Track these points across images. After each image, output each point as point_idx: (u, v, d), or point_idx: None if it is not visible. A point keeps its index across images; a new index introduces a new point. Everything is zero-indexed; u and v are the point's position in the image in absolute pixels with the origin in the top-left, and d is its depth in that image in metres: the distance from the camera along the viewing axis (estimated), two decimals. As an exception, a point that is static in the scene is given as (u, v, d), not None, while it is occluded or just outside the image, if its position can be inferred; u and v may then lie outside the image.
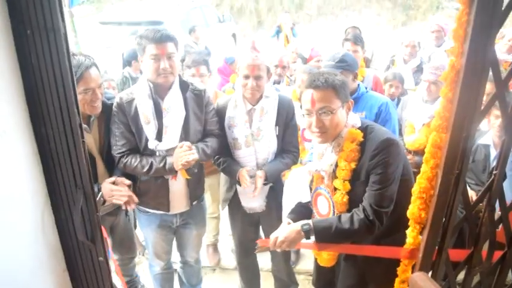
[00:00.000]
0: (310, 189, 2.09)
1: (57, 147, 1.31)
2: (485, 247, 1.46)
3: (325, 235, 1.82)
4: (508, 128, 1.22)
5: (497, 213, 1.38)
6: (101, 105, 2.21)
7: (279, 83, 3.81)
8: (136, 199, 2.18)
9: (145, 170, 2.19)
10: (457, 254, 1.57)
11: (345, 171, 1.83)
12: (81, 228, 1.41)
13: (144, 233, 2.62)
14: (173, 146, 2.21)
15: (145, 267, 3.28)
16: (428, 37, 4.87)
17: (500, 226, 1.39)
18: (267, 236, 2.73)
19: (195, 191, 2.47)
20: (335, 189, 1.89)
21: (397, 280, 1.68)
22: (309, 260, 3.39)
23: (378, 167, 1.74)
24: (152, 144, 2.22)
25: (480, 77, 1.12)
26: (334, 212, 1.90)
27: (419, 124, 3.07)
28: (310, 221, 1.87)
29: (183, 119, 2.25)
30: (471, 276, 1.50)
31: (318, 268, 2.26)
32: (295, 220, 1.98)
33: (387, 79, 3.77)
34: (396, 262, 1.68)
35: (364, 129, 1.84)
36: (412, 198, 1.47)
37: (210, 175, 3.09)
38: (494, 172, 1.28)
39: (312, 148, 2.16)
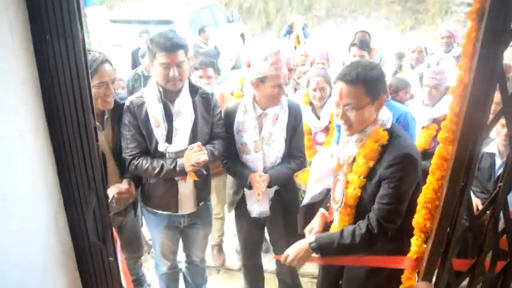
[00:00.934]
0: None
1: (72, 150, 1.34)
2: (489, 256, 1.48)
3: (328, 250, 1.85)
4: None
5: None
6: (113, 102, 2.25)
7: (285, 85, 3.80)
8: (133, 190, 2.29)
9: (156, 171, 2.22)
10: (461, 264, 1.59)
11: (362, 168, 1.80)
12: (93, 229, 1.45)
13: (152, 233, 2.66)
14: (183, 148, 2.24)
15: (151, 266, 3.32)
16: (437, 43, 4.87)
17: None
18: (272, 238, 2.78)
19: (202, 192, 2.50)
20: (348, 181, 1.88)
21: (400, 288, 1.70)
22: (313, 263, 3.40)
23: (391, 181, 1.71)
24: (162, 146, 2.25)
25: (487, 92, 1.14)
26: (342, 202, 1.88)
27: (418, 127, 3.08)
28: (315, 237, 1.89)
29: (192, 122, 2.28)
30: (474, 286, 1.52)
31: (323, 271, 2.28)
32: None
33: (399, 87, 3.68)
34: (400, 269, 1.69)
35: (391, 133, 1.80)
36: (418, 207, 1.50)
37: (216, 176, 3.12)
38: (499, 185, 1.30)
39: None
